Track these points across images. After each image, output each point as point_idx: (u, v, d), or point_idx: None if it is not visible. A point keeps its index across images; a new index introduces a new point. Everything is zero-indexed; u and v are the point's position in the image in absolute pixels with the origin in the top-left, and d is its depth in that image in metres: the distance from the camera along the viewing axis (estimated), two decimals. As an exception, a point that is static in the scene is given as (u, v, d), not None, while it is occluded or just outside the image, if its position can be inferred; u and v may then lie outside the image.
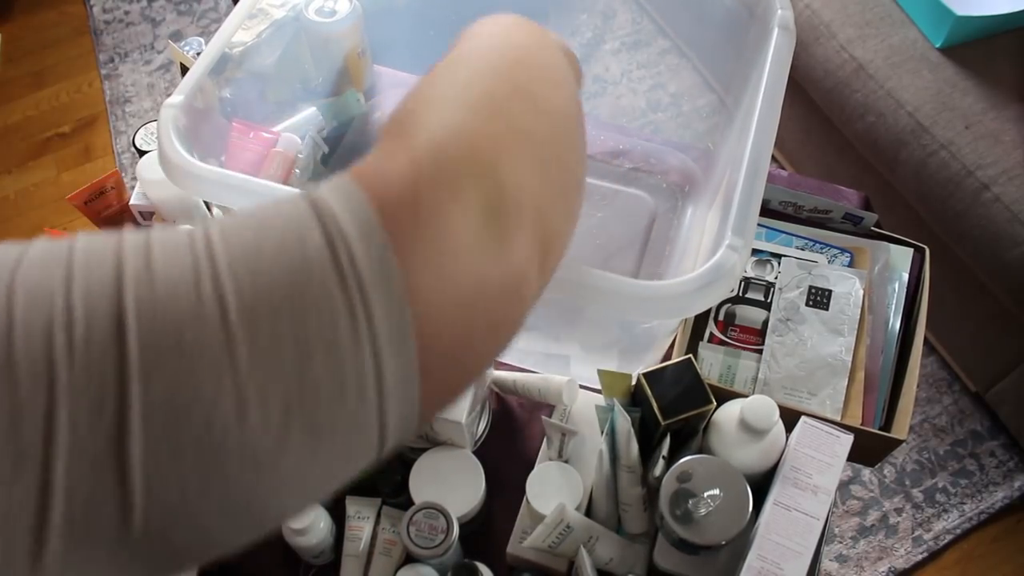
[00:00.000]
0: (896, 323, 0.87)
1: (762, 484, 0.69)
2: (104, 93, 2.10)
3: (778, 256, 0.91)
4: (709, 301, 0.62)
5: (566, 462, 0.75)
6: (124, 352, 0.24)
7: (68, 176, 1.95)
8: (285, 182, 0.91)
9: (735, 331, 0.88)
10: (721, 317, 0.89)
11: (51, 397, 0.24)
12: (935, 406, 1.55)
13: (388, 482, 0.74)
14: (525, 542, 0.71)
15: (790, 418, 0.70)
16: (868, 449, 0.80)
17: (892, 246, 0.91)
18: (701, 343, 0.88)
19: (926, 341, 1.29)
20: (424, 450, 0.76)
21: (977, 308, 1.41)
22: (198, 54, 0.85)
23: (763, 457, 0.68)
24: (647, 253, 0.96)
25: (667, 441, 0.70)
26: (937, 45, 1.38)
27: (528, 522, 0.74)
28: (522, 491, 0.73)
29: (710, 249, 0.68)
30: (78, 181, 1.88)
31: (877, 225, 0.92)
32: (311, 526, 0.72)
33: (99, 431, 0.24)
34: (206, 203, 0.89)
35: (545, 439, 0.77)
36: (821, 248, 0.92)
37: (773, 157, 0.70)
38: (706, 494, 0.65)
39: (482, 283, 0.31)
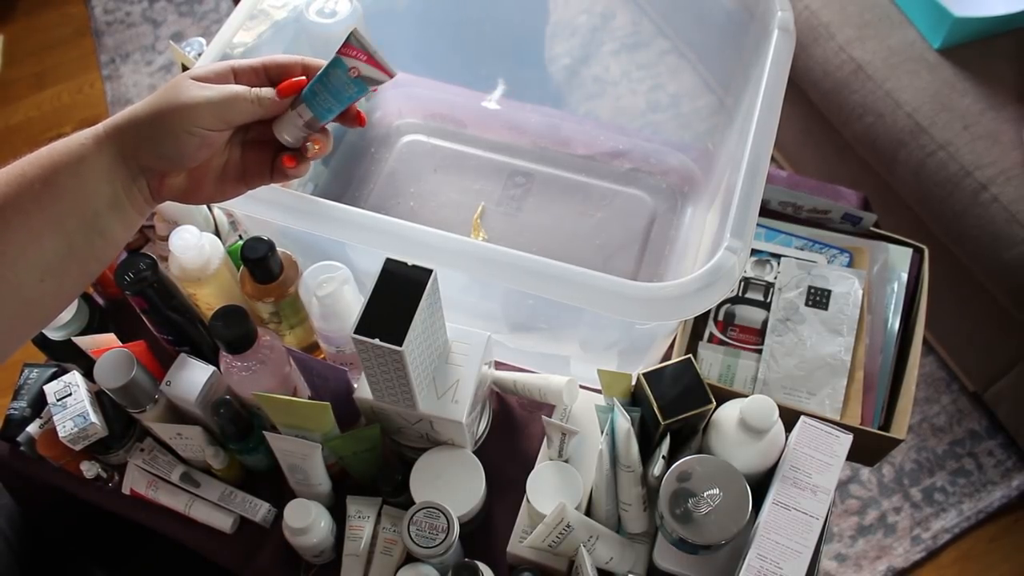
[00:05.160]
0: (895, 323, 0.88)
1: (762, 484, 0.70)
2: (106, 94, 2.10)
3: (777, 256, 0.92)
4: (708, 303, 0.63)
5: (566, 462, 0.75)
6: None
7: (68, 176, 1.95)
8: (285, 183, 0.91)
9: (735, 331, 0.88)
10: (721, 317, 0.89)
11: None
12: (933, 406, 1.56)
13: (389, 482, 0.75)
14: (525, 542, 0.71)
15: (789, 418, 0.70)
16: (867, 449, 0.80)
17: (891, 246, 0.92)
18: (701, 343, 0.88)
19: (925, 341, 1.29)
20: (424, 450, 0.76)
21: (975, 308, 1.41)
22: (199, 55, 0.85)
23: (763, 457, 0.69)
24: (647, 253, 0.96)
25: (667, 441, 0.70)
26: (935, 46, 1.39)
27: (528, 522, 0.74)
28: (522, 491, 0.73)
29: (709, 250, 0.69)
30: (78, 181, 1.88)
31: (876, 225, 0.93)
32: (312, 525, 0.72)
33: None
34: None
35: (545, 439, 0.77)
36: (820, 248, 0.93)
37: (772, 157, 0.70)
38: (706, 493, 0.65)
39: None
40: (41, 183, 0.49)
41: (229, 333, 0.71)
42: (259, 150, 0.59)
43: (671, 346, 0.83)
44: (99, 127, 0.53)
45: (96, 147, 0.52)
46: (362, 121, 0.60)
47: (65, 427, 0.75)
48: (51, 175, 0.50)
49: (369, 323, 0.62)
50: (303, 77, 0.57)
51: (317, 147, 0.59)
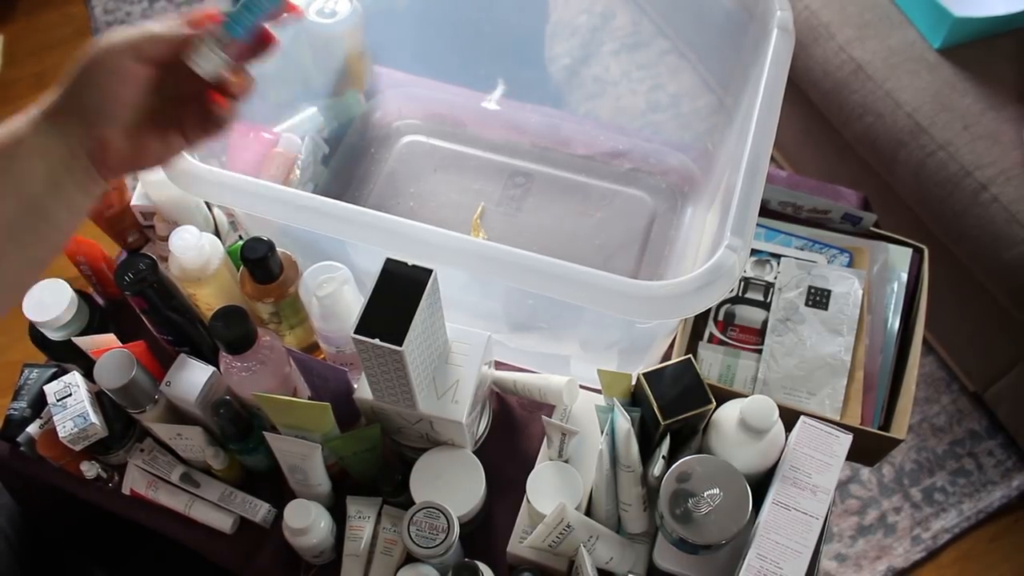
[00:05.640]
0: (895, 323, 0.88)
1: (762, 484, 0.70)
2: (104, 94, 2.10)
3: (777, 256, 0.92)
4: (708, 301, 0.63)
5: (566, 462, 0.75)
6: None
7: (68, 177, 1.95)
8: (285, 182, 0.92)
9: (734, 331, 0.88)
10: (721, 317, 0.89)
11: None
12: (933, 406, 1.56)
13: (389, 482, 0.75)
14: (525, 542, 0.71)
15: (789, 418, 0.70)
16: (867, 449, 0.80)
17: (891, 246, 0.92)
18: (701, 343, 0.88)
19: (924, 341, 1.29)
20: (424, 450, 0.76)
21: (975, 308, 1.41)
22: (199, 55, 0.85)
23: (763, 457, 0.69)
24: (647, 253, 0.96)
25: (667, 441, 0.70)
26: (935, 46, 1.39)
27: (528, 522, 0.74)
28: (522, 491, 0.73)
29: (709, 249, 0.69)
30: (78, 182, 1.88)
31: (876, 225, 0.93)
32: (312, 526, 0.72)
33: None
34: (207, 203, 0.89)
35: (545, 439, 0.77)
36: (820, 248, 0.93)
37: (772, 157, 0.70)
38: (706, 493, 0.65)
39: None
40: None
41: (229, 333, 0.71)
42: (194, 103, 0.57)
43: (671, 346, 0.83)
44: (33, 107, 0.53)
45: (31, 127, 0.51)
46: (270, 39, 0.58)
47: (65, 427, 0.75)
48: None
49: (369, 323, 0.62)
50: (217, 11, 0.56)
51: (237, 80, 0.56)
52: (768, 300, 0.89)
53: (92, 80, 0.52)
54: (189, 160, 0.69)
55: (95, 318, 0.85)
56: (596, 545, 0.69)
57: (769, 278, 0.91)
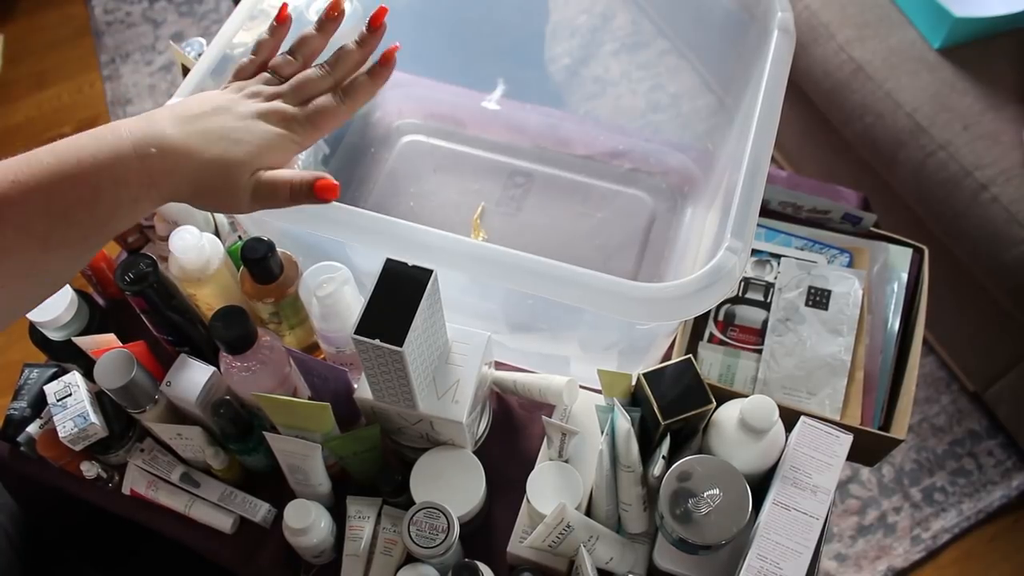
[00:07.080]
0: (895, 323, 0.88)
1: (762, 484, 0.70)
2: (105, 94, 2.10)
3: (777, 256, 0.92)
4: (708, 303, 0.63)
5: (566, 462, 0.75)
6: None
7: (68, 176, 1.95)
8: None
9: (735, 331, 0.88)
10: (721, 317, 0.89)
11: None
12: (933, 406, 1.56)
13: (389, 482, 0.75)
14: (525, 542, 0.71)
15: (789, 418, 0.70)
16: (867, 449, 0.80)
17: (891, 246, 0.92)
18: (701, 343, 0.88)
19: (925, 341, 1.28)
20: (424, 450, 0.76)
21: (975, 308, 1.41)
22: (199, 55, 0.85)
23: (763, 457, 0.69)
24: (647, 254, 0.96)
25: (667, 441, 0.70)
26: (935, 46, 1.39)
27: (528, 522, 0.74)
28: (522, 491, 0.73)
29: (710, 250, 0.69)
30: (78, 181, 1.88)
31: (876, 225, 0.93)
32: (312, 526, 0.72)
33: None
34: (207, 204, 0.89)
35: (545, 439, 0.77)
36: (820, 248, 0.93)
37: (772, 157, 0.70)
38: (706, 494, 0.65)
39: None
40: (95, 231, 0.52)
41: (229, 333, 0.70)
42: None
43: (671, 346, 0.83)
44: (153, 175, 0.53)
45: (153, 192, 0.54)
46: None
47: (65, 427, 0.75)
48: (107, 220, 0.53)
49: (369, 323, 0.62)
50: None
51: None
52: (768, 300, 0.89)
53: (228, 207, 0.58)
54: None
55: (95, 318, 0.85)
56: (596, 545, 0.69)
57: (769, 278, 0.91)
